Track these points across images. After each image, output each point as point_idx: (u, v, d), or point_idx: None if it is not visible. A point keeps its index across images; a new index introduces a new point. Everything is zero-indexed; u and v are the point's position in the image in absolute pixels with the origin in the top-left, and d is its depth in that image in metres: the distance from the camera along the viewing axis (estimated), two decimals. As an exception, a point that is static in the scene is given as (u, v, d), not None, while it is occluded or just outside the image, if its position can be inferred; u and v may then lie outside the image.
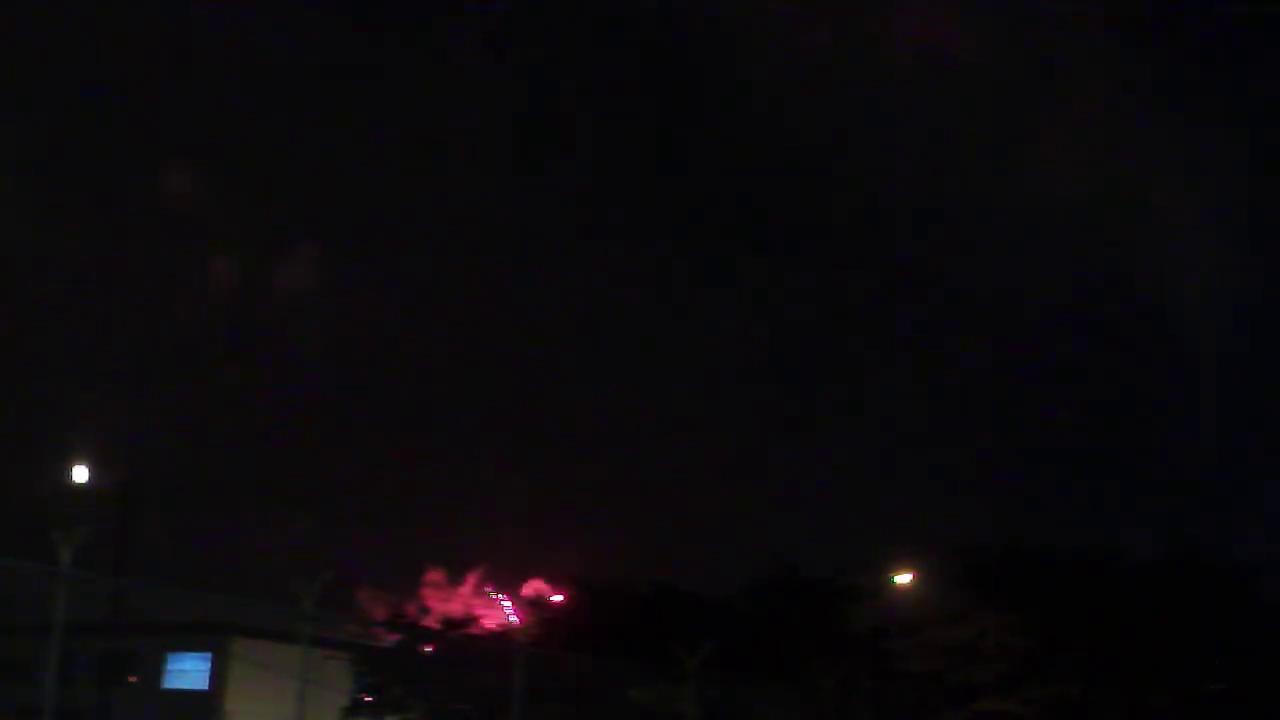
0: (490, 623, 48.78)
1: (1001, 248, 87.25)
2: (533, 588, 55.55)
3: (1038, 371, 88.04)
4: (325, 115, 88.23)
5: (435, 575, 61.80)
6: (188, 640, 51.27)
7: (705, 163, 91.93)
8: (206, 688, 51.21)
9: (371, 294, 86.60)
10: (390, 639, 41.65)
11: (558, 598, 48.42)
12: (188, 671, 52.33)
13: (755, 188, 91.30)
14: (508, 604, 59.31)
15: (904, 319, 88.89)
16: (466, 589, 61.92)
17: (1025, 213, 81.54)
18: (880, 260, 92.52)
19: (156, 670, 52.79)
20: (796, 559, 45.66)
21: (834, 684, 34.55)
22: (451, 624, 43.79)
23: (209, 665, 51.51)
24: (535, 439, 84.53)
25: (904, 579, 43.79)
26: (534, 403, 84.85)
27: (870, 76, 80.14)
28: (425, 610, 51.22)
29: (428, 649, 40.93)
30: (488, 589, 60.88)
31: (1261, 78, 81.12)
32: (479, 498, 73.87)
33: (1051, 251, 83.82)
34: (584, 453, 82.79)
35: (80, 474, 40.86)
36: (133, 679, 51.43)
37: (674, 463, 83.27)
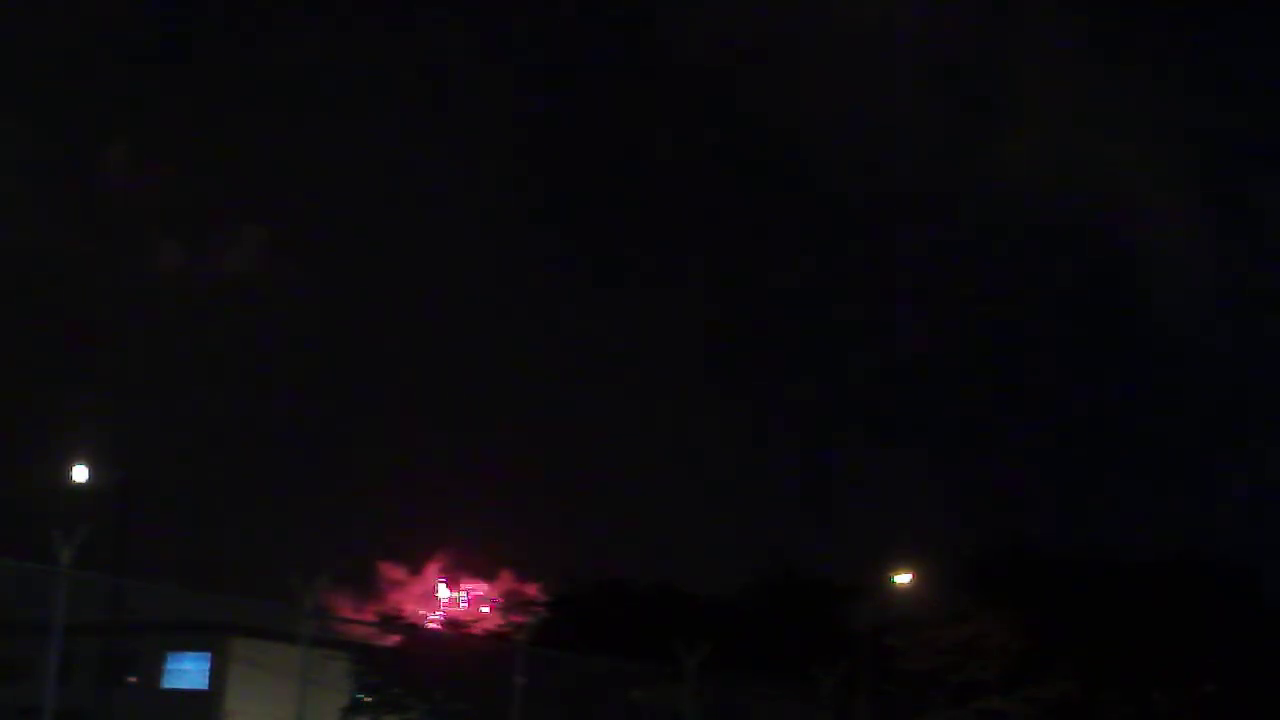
0: (464, 617, 48.86)
1: (991, 244, 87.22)
2: (506, 584, 55.33)
3: (1035, 368, 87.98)
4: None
5: (396, 572, 61.36)
6: (187, 640, 51.25)
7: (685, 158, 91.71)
8: (206, 687, 51.19)
9: (343, 289, 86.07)
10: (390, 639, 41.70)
11: (533, 593, 48.39)
12: (187, 671, 52.31)
13: (741, 179, 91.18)
14: (469, 592, 58.94)
15: (903, 318, 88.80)
16: (430, 584, 61.45)
17: (1003, 207, 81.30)
18: (876, 259, 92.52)
19: (156, 670, 52.77)
20: (796, 559, 45.79)
21: (834, 683, 34.51)
22: (450, 624, 43.86)
23: (208, 665, 51.50)
24: (532, 437, 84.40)
25: (904, 579, 43.81)
26: (530, 399, 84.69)
27: (824, 57, 79.25)
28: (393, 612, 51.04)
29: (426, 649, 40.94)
30: (456, 584, 60.41)
31: (1233, 54, 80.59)
32: (466, 495, 73.60)
33: (1043, 246, 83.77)
34: (582, 451, 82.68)
35: (80, 474, 40.78)
36: (132, 679, 51.40)
37: (674, 462, 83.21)
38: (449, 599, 59.93)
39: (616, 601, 42.17)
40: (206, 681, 51.39)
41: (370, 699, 41.16)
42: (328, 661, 33.86)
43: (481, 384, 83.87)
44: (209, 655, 51.26)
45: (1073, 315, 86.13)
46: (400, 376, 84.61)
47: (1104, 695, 38.32)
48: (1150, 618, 38.12)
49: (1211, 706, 37.94)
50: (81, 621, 26.08)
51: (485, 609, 53.85)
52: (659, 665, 32.21)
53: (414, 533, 65.97)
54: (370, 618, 47.82)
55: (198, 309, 73.98)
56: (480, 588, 57.40)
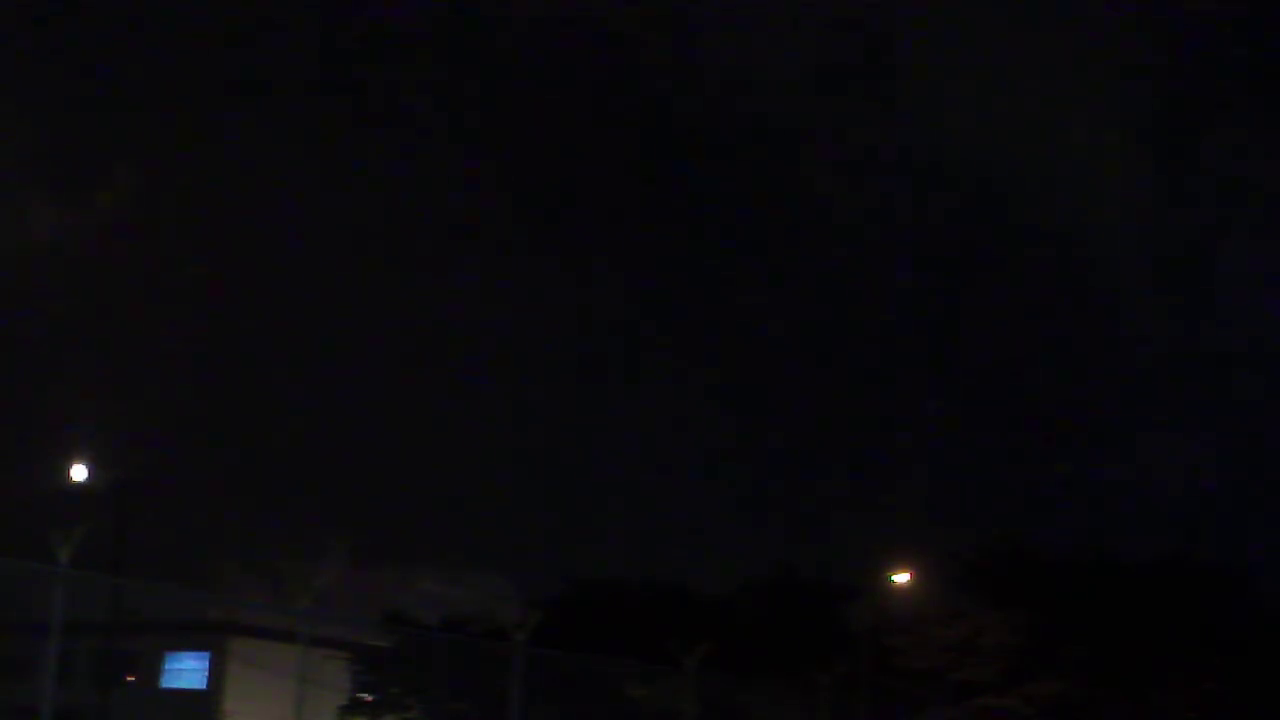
0: None
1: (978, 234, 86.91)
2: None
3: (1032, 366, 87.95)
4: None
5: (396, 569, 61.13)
6: (186, 640, 51.29)
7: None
8: (204, 687, 51.24)
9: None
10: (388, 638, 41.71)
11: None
12: (186, 671, 52.36)
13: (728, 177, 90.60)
14: None
15: (903, 317, 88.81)
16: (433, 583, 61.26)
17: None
18: (872, 256, 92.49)
19: (155, 670, 52.82)
20: (796, 559, 45.86)
21: (832, 682, 34.58)
22: (450, 624, 43.83)
23: (207, 665, 51.55)
24: (529, 437, 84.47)
25: (902, 578, 43.91)
26: (527, 398, 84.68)
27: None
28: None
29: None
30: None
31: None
32: (465, 494, 73.61)
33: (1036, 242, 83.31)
34: (581, 450, 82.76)
35: (80, 473, 40.81)
36: (131, 679, 51.43)
37: (673, 461, 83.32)
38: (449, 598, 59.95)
39: (616, 601, 42.19)
40: (205, 681, 51.44)
41: (368, 698, 41.18)
42: (326, 661, 33.89)
43: (477, 381, 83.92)
44: (208, 655, 51.32)
45: (1052, 302, 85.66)
46: (396, 374, 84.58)
47: (1102, 693, 38.35)
48: (1148, 616, 38.17)
49: (1210, 705, 37.97)
50: (80, 621, 26.10)
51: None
52: (657, 664, 32.24)
53: (412, 531, 66.09)
54: (369, 616, 47.88)
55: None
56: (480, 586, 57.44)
